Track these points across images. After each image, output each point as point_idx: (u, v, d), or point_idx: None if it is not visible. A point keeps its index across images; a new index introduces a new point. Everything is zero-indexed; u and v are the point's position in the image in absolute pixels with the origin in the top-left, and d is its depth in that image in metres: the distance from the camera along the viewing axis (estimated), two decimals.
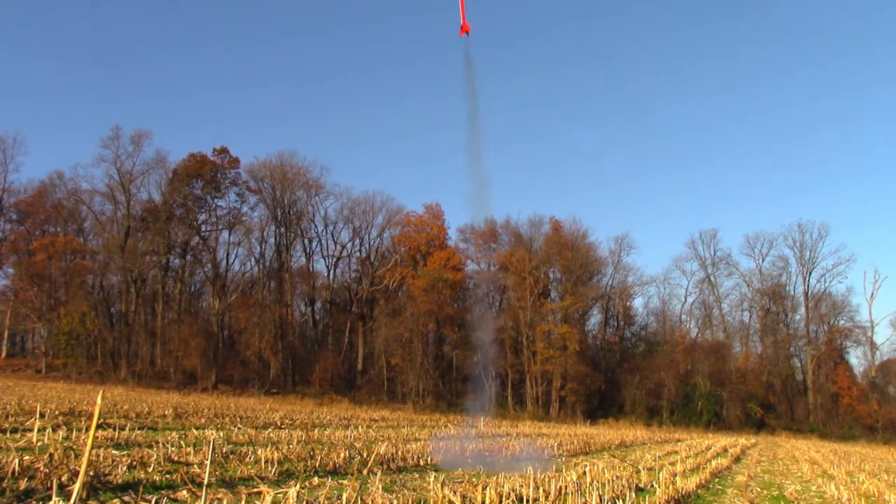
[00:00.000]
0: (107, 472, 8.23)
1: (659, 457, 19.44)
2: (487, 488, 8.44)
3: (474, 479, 9.95)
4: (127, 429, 13.90)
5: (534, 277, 69.97)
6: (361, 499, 7.72)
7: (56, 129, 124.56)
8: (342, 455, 11.95)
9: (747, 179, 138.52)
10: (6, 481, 7.14)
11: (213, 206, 71.54)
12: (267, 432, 17.24)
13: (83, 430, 12.99)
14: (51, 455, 8.23)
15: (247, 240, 72.97)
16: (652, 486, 10.74)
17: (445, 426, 29.42)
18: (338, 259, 76.17)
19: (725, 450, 26.87)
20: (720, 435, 44.86)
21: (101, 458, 9.32)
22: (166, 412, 21.43)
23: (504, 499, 8.32)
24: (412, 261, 73.80)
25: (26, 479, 7.31)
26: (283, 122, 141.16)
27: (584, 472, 9.80)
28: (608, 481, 9.92)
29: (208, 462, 7.46)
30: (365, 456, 12.45)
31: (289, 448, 12.98)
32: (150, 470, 9.02)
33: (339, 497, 7.50)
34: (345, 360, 69.29)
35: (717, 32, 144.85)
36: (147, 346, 63.64)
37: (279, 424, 21.41)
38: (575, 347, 64.94)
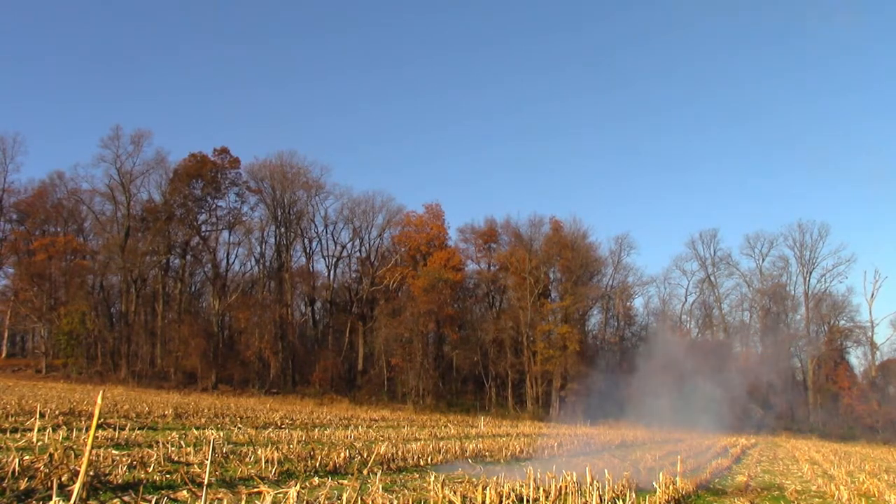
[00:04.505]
0: (107, 471, 8.23)
1: (659, 457, 19.43)
2: (487, 488, 8.44)
3: (474, 479, 9.94)
4: (127, 429, 13.89)
5: (534, 277, 69.97)
6: (361, 499, 7.71)
7: (56, 129, 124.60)
8: (342, 455, 11.95)
9: (747, 179, 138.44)
10: (6, 481, 7.14)
11: (213, 206, 71.65)
12: (267, 432, 17.24)
13: (83, 430, 12.99)
14: (51, 455, 8.23)
15: (247, 240, 73.09)
16: (652, 486, 10.74)
17: (446, 426, 29.42)
18: (338, 259, 76.25)
19: (725, 450, 26.87)
20: (720, 435, 44.85)
21: (101, 458, 9.32)
22: (166, 412, 21.43)
23: (504, 499, 8.32)
24: (412, 261, 73.82)
25: (26, 479, 7.31)
26: (283, 122, 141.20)
27: (585, 472, 9.80)
28: (608, 481, 9.92)
29: (208, 462, 7.46)
30: (365, 456, 12.45)
31: (289, 448, 12.98)
32: (150, 470, 9.02)
33: (340, 497, 7.50)
34: (345, 360, 69.30)
35: (716, 32, 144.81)
36: (147, 346, 63.65)
37: (279, 424, 21.40)
38: (575, 347, 64.95)
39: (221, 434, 15.72)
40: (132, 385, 53.38)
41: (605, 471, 10.67)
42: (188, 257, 71.64)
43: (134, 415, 19.70)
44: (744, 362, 73.47)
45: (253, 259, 74.21)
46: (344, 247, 76.23)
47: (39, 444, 10.54)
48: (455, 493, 8.32)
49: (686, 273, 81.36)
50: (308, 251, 75.74)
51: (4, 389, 31.84)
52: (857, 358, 76.08)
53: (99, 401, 5.43)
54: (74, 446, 9.91)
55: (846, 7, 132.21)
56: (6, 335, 66.08)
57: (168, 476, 8.69)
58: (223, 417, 22.11)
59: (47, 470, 7.57)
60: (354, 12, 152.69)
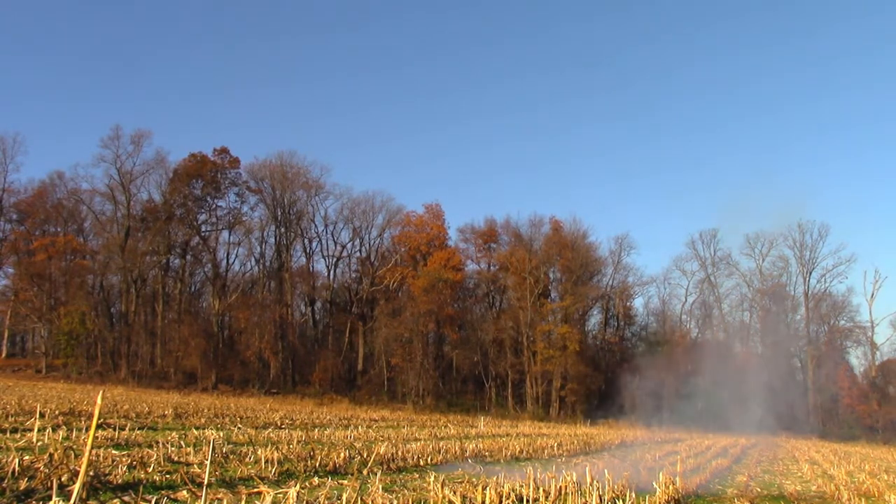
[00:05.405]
0: (107, 472, 8.23)
1: (659, 457, 19.44)
2: (487, 488, 8.44)
3: (474, 479, 9.94)
4: (127, 429, 13.89)
5: (534, 277, 69.97)
6: (361, 499, 7.71)
7: (56, 129, 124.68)
8: (342, 455, 11.94)
9: (747, 179, 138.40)
10: (6, 481, 7.14)
11: (213, 206, 71.68)
12: (267, 432, 17.23)
13: (83, 430, 12.99)
14: (51, 455, 8.22)
15: (247, 240, 73.11)
16: (652, 486, 10.74)
17: (446, 426, 29.41)
18: (338, 259, 76.27)
19: (725, 450, 26.87)
20: (720, 435, 44.86)
21: (101, 458, 9.32)
22: (166, 412, 21.42)
23: (504, 499, 8.31)
24: (412, 261, 73.83)
25: (26, 479, 7.31)
26: (283, 122, 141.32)
27: (584, 473, 9.80)
28: (608, 481, 9.92)
29: (208, 462, 7.46)
30: (365, 456, 12.45)
31: (289, 448, 12.98)
32: (150, 470, 9.02)
33: (339, 497, 7.50)
34: (345, 360, 69.30)
35: (717, 32, 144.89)
36: (147, 346, 63.65)
37: (279, 424, 21.39)
38: (575, 347, 64.95)
39: (221, 434, 15.72)
40: (132, 385, 53.37)
41: (605, 471, 10.67)
42: (188, 257, 71.66)
43: (134, 415, 19.69)
44: (743, 363, 73.53)
45: (253, 259, 74.35)
46: (344, 247, 76.35)
47: (39, 444, 10.54)
48: (455, 493, 8.32)
49: (686, 273, 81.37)
50: (308, 251, 75.87)
51: (4, 389, 31.84)
52: (857, 358, 76.03)
53: (99, 401, 5.43)
54: (74, 446, 9.90)
55: (847, 7, 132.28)
56: (6, 335, 66.07)
57: (168, 476, 8.68)
58: (223, 417, 22.10)
59: (47, 470, 7.57)
60: (355, 12, 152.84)
